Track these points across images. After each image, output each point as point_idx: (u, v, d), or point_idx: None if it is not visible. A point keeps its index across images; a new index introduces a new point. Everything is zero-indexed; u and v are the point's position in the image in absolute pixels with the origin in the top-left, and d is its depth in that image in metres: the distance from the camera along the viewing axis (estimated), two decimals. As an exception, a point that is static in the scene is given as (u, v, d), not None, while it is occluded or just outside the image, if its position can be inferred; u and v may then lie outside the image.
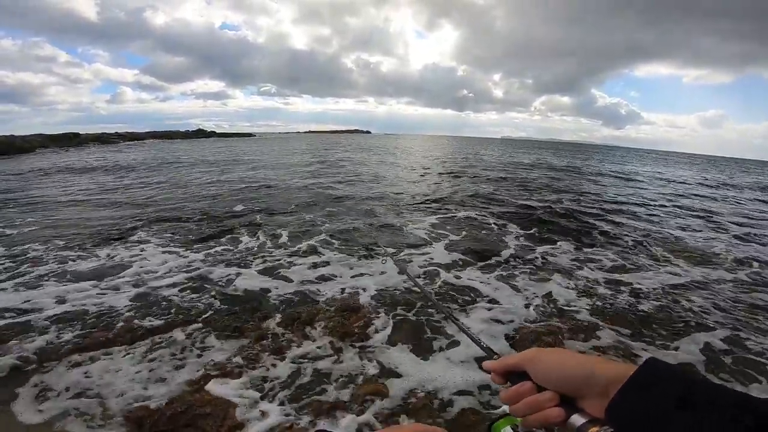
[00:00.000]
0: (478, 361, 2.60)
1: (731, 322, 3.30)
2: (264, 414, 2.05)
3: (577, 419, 0.44)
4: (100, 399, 2.17)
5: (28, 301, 3.31)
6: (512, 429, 0.57)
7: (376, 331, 2.93)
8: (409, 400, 2.19)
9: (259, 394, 2.20)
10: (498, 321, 3.19)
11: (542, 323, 3.14)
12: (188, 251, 4.68)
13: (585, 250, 5.22)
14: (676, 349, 2.88)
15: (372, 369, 2.48)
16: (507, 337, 2.97)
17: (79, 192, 9.18)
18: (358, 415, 2.07)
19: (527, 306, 3.45)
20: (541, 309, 3.41)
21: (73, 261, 4.28)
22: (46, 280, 3.75)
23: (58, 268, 4.07)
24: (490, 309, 3.36)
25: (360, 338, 2.81)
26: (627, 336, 3.01)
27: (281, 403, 2.15)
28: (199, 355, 2.59)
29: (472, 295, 3.66)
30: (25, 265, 4.11)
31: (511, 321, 3.19)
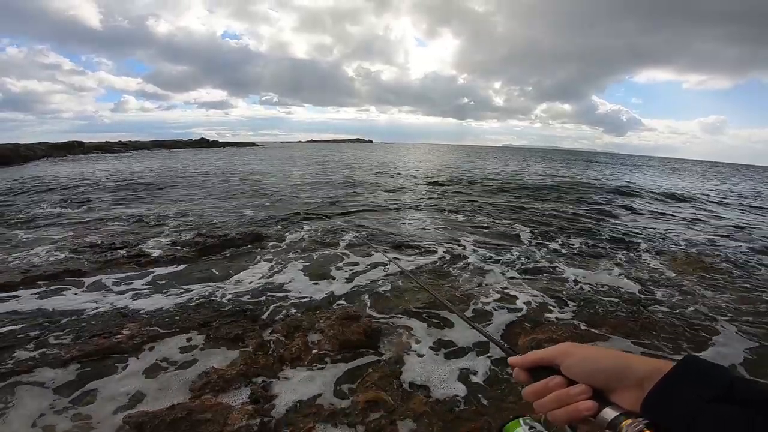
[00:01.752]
0: (483, 358, 2.62)
1: (742, 329, 3.30)
2: (264, 420, 2.05)
3: (609, 412, 0.44)
4: (101, 404, 2.18)
5: (38, 307, 3.34)
6: (525, 430, 0.58)
7: (378, 337, 2.94)
8: (410, 406, 2.19)
9: (260, 401, 2.21)
10: (506, 323, 3.20)
11: (546, 327, 3.14)
12: (192, 261, 4.72)
13: (592, 256, 5.23)
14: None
15: (374, 376, 2.48)
16: (508, 340, 2.97)
17: (90, 204, 9.25)
18: (356, 424, 2.07)
19: (530, 309, 3.45)
20: (545, 313, 3.42)
21: (81, 268, 4.31)
22: (51, 288, 3.78)
23: (66, 275, 4.09)
24: (499, 310, 3.37)
25: (360, 345, 2.81)
26: (635, 343, 3.01)
27: (280, 410, 2.15)
28: (201, 362, 2.60)
29: (480, 295, 3.67)
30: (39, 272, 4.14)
31: (515, 324, 3.20)
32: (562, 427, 0.49)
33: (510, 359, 0.57)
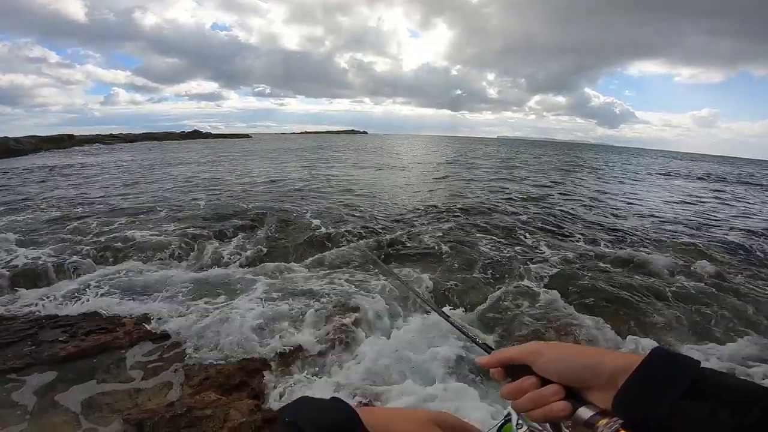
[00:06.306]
0: (470, 356, 2.60)
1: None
2: (265, 416, 2.05)
3: (585, 412, 0.42)
4: (100, 401, 2.17)
5: (33, 305, 3.30)
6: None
7: (374, 329, 2.94)
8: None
9: (260, 396, 2.21)
10: (496, 318, 3.21)
11: (541, 321, 3.16)
12: (191, 260, 4.69)
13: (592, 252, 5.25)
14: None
15: (366, 383, 2.48)
16: (502, 336, 3.00)
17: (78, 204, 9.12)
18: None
19: (526, 306, 3.47)
20: (539, 308, 3.43)
21: (76, 265, 4.25)
22: (44, 286, 3.74)
23: (59, 273, 4.04)
24: (486, 305, 3.38)
25: (354, 350, 2.79)
26: (624, 333, 3.03)
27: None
28: (199, 359, 2.59)
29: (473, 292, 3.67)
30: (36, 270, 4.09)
31: (508, 319, 3.21)
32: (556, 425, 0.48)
33: (478, 360, 0.54)
